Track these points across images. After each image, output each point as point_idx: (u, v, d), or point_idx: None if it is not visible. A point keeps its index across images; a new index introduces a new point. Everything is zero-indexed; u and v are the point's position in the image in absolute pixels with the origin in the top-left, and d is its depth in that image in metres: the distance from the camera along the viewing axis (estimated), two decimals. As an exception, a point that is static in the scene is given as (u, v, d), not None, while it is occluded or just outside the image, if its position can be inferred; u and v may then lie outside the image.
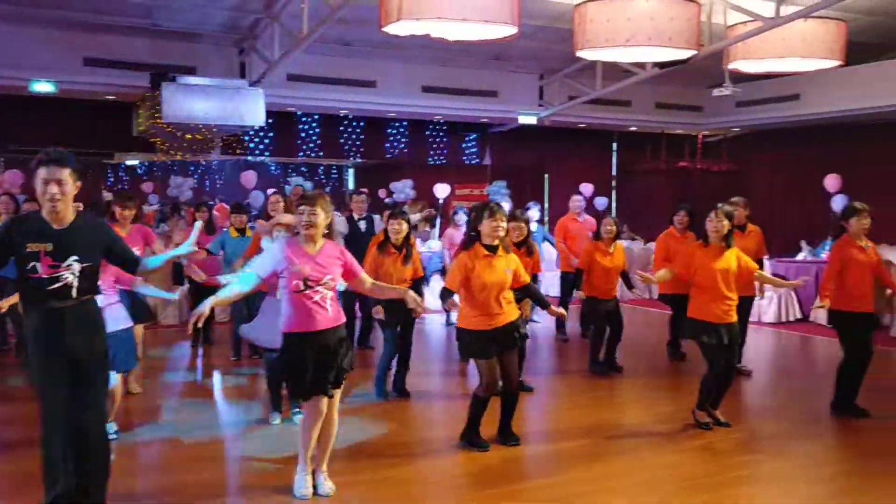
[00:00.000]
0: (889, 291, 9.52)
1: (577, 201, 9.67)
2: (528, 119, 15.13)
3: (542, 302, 5.47)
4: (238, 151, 15.41)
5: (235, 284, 4.21)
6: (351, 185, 21.01)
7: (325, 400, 4.24)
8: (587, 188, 15.80)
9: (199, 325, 3.96)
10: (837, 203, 13.94)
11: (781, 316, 10.66)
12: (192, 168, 18.51)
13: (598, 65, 13.02)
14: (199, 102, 11.33)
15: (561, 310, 5.60)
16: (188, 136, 11.88)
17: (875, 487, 4.62)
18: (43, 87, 12.15)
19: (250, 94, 11.78)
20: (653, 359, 8.26)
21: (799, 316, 10.75)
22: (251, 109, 11.61)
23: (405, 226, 6.36)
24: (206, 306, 3.97)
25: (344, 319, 4.31)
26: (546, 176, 17.93)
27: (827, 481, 4.81)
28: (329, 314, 4.18)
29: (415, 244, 6.76)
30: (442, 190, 16.41)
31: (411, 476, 4.82)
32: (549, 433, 5.83)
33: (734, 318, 5.57)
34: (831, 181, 14.29)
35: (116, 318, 5.08)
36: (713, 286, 5.46)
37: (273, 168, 19.72)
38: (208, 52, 12.63)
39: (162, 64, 12.00)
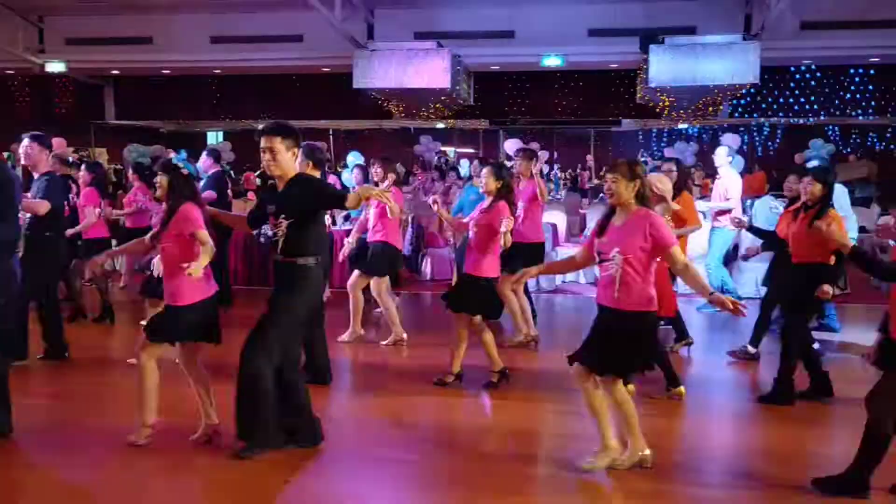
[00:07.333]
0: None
1: None
2: None
3: None
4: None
5: None
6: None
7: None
8: None
9: None
10: None
11: None
12: (693, 132, 17.44)
13: None
14: (683, 63, 10.51)
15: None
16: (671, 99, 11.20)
17: None
18: (552, 61, 12.83)
19: (742, 49, 10.52)
20: None
21: None
22: (742, 67, 10.34)
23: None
24: None
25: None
26: None
27: None
28: None
29: None
30: None
31: None
32: None
33: None
34: None
35: None
36: None
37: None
38: (709, 8, 11.80)
39: (655, 28, 11.56)
